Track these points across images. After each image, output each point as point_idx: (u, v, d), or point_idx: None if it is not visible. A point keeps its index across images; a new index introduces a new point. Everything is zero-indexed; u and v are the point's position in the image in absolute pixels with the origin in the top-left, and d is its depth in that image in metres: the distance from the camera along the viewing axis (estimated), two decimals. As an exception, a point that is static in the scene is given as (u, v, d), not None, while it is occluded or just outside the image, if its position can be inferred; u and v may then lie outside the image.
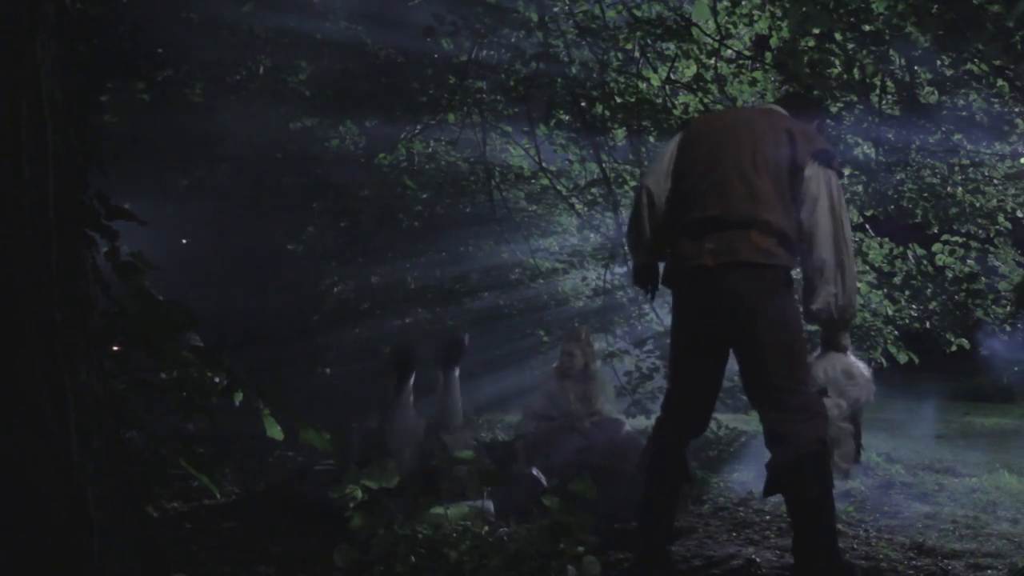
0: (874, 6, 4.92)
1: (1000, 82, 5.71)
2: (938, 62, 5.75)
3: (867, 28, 4.94)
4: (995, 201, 6.99)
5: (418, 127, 7.38)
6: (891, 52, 5.49)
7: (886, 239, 6.65)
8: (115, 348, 2.13)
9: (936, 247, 6.77)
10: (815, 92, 5.15)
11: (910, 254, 6.69)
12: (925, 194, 7.04)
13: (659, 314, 6.52)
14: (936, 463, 5.72)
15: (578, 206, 7.30)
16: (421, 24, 5.92)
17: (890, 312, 6.41)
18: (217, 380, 2.24)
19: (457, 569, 2.64)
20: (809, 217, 2.79)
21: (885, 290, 6.46)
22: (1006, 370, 10.94)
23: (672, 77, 6.09)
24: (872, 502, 4.31)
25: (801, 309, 2.88)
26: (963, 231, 6.95)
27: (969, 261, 6.74)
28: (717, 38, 5.71)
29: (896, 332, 6.38)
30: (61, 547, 1.67)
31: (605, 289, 7.27)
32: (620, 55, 6.12)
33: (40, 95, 1.73)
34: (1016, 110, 6.37)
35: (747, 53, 5.96)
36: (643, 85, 6.06)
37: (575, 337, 5.23)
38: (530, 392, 5.51)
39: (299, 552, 3.26)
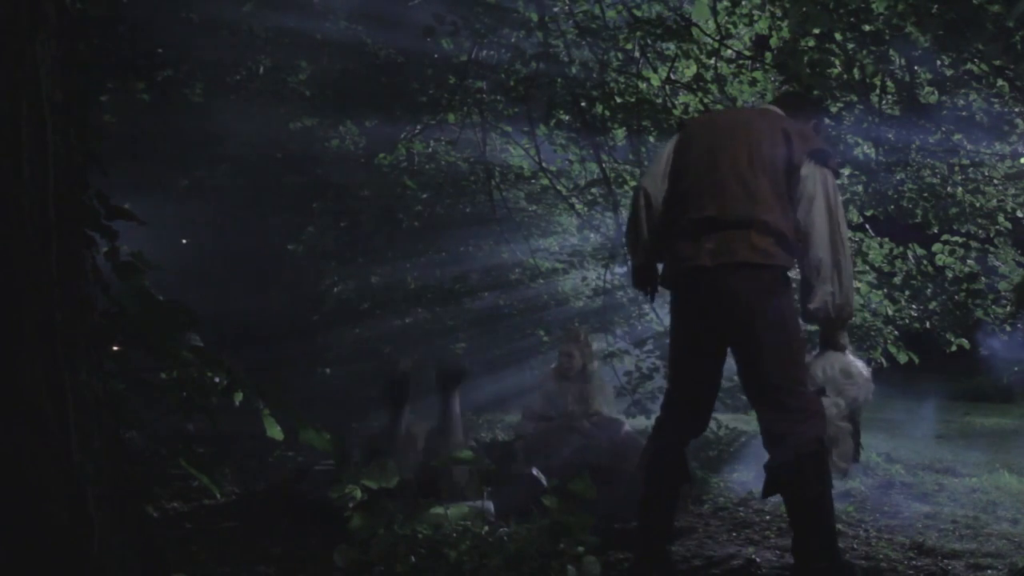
0: (874, 6, 4.92)
1: (1000, 82, 5.71)
2: (938, 62, 5.75)
3: (867, 28, 4.93)
4: (995, 201, 6.98)
5: (418, 127, 7.38)
6: (891, 52, 5.49)
7: (886, 239, 6.65)
8: (115, 348, 2.13)
9: (936, 247, 6.77)
10: (815, 92, 5.15)
11: (910, 254, 6.69)
12: (925, 194, 7.04)
13: (659, 314, 6.52)
14: (936, 463, 5.72)
15: (578, 206, 7.30)
16: (421, 24, 5.92)
17: (890, 312, 6.41)
18: (217, 380, 2.24)
19: (457, 569, 2.64)
20: (805, 216, 2.79)
21: (885, 290, 6.46)
22: (1006, 370, 10.95)
23: (672, 77, 6.09)
24: (872, 502, 4.31)
25: (799, 308, 2.88)
26: (963, 231, 6.95)
27: (969, 261, 6.74)
28: (717, 38, 5.71)
29: (896, 332, 6.38)
30: (61, 547, 1.67)
31: (605, 289, 7.27)
32: (620, 55, 6.12)
33: (40, 95, 1.73)
34: (1016, 110, 6.37)
35: (747, 53, 5.96)
36: (643, 85, 6.06)
37: (574, 338, 5.23)
38: (530, 392, 5.52)
39: (299, 552, 3.26)
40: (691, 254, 2.80)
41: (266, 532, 3.59)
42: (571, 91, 6.10)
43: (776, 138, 2.85)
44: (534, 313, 8.30)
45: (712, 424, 5.36)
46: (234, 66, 6.85)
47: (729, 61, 5.85)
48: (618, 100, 6.00)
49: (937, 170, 7.06)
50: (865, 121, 6.36)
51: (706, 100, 5.91)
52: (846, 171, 6.66)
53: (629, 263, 3.29)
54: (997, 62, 4.96)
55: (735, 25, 5.75)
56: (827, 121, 6.19)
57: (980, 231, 6.98)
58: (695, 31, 5.68)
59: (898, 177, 7.00)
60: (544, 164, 7.17)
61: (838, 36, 5.10)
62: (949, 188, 7.02)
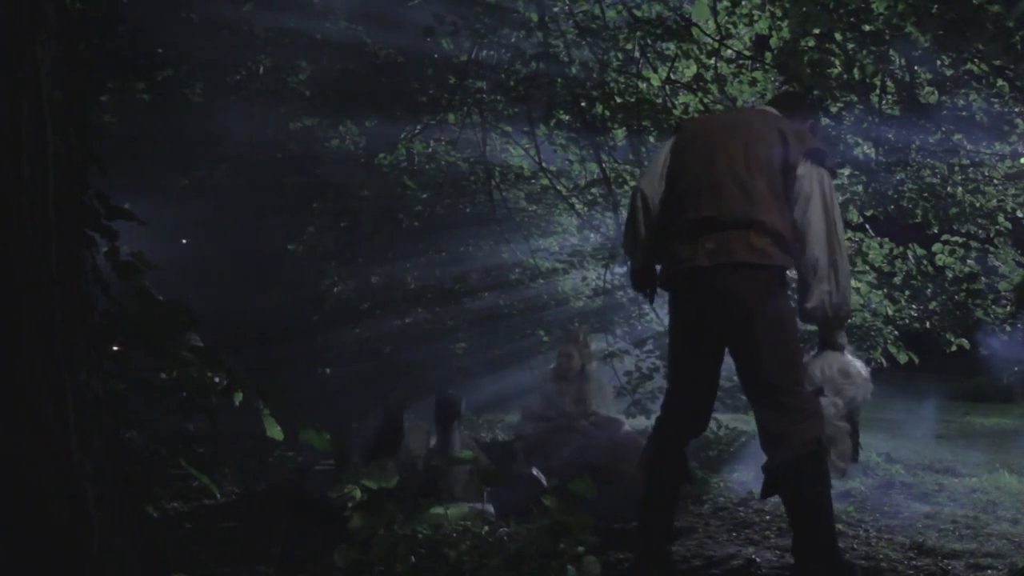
0: (874, 6, 4.92)
1: (1000, 82, 5.71)
2: (938, 62, 5.75)
3: (867, 28, 4.93)
4: (995, 201, 6.98)
5: (418, 127, 7.38)
6: (891, 52, 5.49)
7: (886, 239, 6.65)
8: (115, 348, 2.13)
9: (936, 247, 6.77)
10: (815, 92, 5.15)
11: (910, 254, 6.69)
12: (925, 194, 7.04)
13: (659, 314, 6.52)
14: (936, 463, 5.72)
15: (578, 206, 7.29)
16: (421, 24, 5.92)
17: (890, 312, 6.40)
18: (217, 380, 2.24)
19: (457, 569, 2.64)
20: (802, 216, 2.80)
21: (885, 290, 6.45)
22: (1006, 370, 10.95)
23: (672, 77, 6.09)
24: (872, 502, 4.31)
25: (797, 308, 2.88)
26: (963, 231, 6.94)
27: (969, 261, 6.73)
28: (717, 38, 5.71)
29: (896, 332, 6.37)
30: (61, 547, 1.67)
31: (605, 289, 7.27)
32: (620, 55, 6.12)
33: (40, 95, 1.73)
34: (1016, 110, 6.36)
35: (747, 53, 5.96)
36: (643, 85, 6.06)
37: (573, 339, 5.24)
38: (530, 392, 5.52)
39: (299, 552, 3.26)
40: (689, 255, 2.81)
41: (266, 532, 3.59)
42: (571, 91, 6.09)
43: (772, 138, 2.85)
44: (534, 313, 8.31)
45: (712, 424, 5.36)
46: (234, 66, 6.85)
47: (729, 61, 5.84)
48: (618, 100, 6.00)
49: (937, 170, 7.05)
50: (865, 121, 6.35)
51: (706, 100, 5.91)
52: (846, 171, 6.66)
53: (628, 264, 3.29)
54: (997, 62, 4.96)
55: (735, 25, 5.75)
56: (827, 121, 6.20)
57: (980, 231, 6.98)
58: (695, 31, 5.68)
59: (898, 177, 7.00)
60: (544, 164, 7.17)
61: (838, 36, 5.10)
62: (949, 188, 7.02)
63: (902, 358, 6.33)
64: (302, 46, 6.83)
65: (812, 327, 3.26)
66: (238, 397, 2.29)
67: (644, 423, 5.57)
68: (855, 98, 5.93)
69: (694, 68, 5.85)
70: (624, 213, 6.32)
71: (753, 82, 5.80)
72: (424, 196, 7.52)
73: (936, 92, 6.35)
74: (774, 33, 5.57)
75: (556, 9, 6.12)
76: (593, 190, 6.86)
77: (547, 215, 8.24)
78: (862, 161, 6.79)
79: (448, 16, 5.71)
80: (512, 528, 2.96)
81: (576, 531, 2.76)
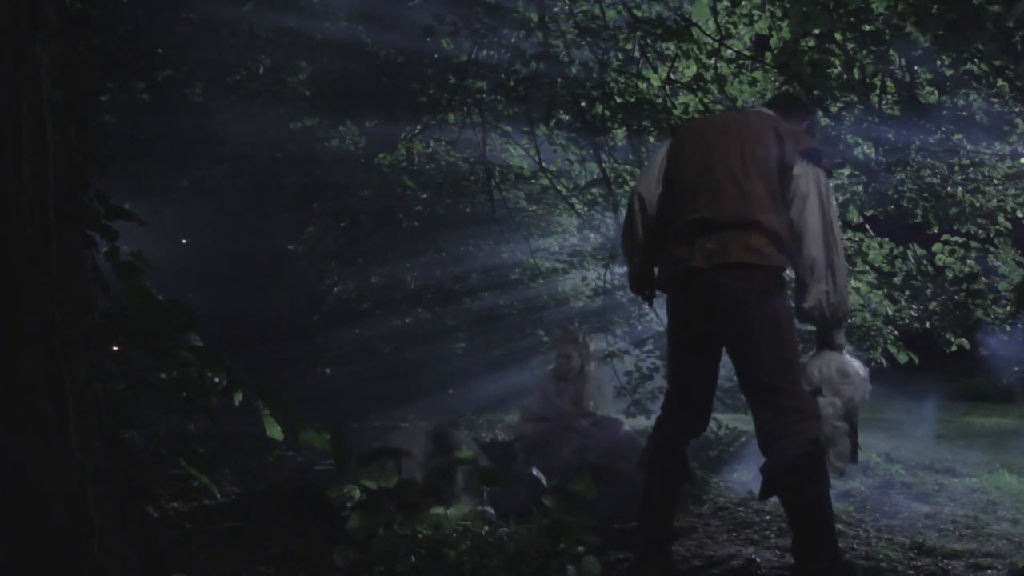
0: (874, 6, 4.92)
1: (1000, 82, 5.70)
2: (938, 62, 5.75)
3: (867, 28, 4.93)
4: (995, 201, 6.98)
5: (418, 127, 7.38)
6: (891, 52, 5.49)
7: (886, 239, 6.64)
8: (115, 348, 2.13)
9: (936, 247, 6.77)
10: (815, 92, 5.15)
11: (910, 254, 6.69)
12: (925, 194, 7.03)
13: (659, 314, 6.52)
14: (936, 463, 5.72)
15: (578, 206, 7.29)
16: (421, 24, 5.92)
17: (890, 312, 6.40)
18: (217, 380, 2.24)
19: (457, 569, 2.64)
20: (799, 216, 2.79)
21: (885, 290, 6.45)
22: (1006, 370, 10.96)
23: (672, 77, 6.08)
24: (872, 502, 4.31)
25: (795, 308, 2.88)
26: (963, 231, 6.94)
27: (969, 261, 6.73)
28: (717, 38, 5.71)
29: (896, 332, 6.37)
30: (61, 547, 1.67)
31: (605, 289, 7.27)
32: (620, 55, 6.12)
33: (40, 95, 1.73)
34: (1016, 110, 6.36)
35: (747, 53, 5.95)
36: (643, 85, 6.06)
37: (572, 339, 5.23)
38: (530, 392, 5.52)
39: (299, 552, 3.26)
40: (686, 256, 2.81)
41: (266, 532, 3.59)
42: (571, 91, 6.10)
43: (768, 138, 2.85)
44: (534, 313, 8.32)
45: (712, 424, 5.36)
46: (234, 66, 6.85)
47: (729, 61, 5.84)
48: (618, 100, 6.00)
49: (937, 170, 7.05)
50: (865, 121, 6.35)
51: (706, 100, 5.91)
52: (846, 171, 6.66)
53: (627, 267, 3.29)
54: (997, 62, 4.96)
55: (735, 25, 5.74)
56: (827, 121, 6.20)
57: (980, 231, 6.97)
58: (695, 31, 5.67)
59: (898, 177, 6.99)
60: (544, 164, 7.17)
61: (838, 36, 5.10)
62: (949, 188, 7.01)
63: (902, 358, 6.33)
64: (302, 46, 6.83)
65: (811, 327, 3.26)
66: (238, 397, 2.29)
67: (644, 423, 5.57)
68: (855, 98, 5.93)
69: (694, 68, 5.85)
70: (624, 213, 6.33)
71: (753, 82, 5.79)
72: (424, 196, 7.53)
73: (936, 92, 6.35)
74: (774, 33, 5.56)
75: (556, 9, 6.11)
76: (593, 190, 6.86)
77: (547, 215, 8.25)
78: (862, 161, 6.79)
79: (448, 16, 5.71)
80: (512, 528, 2.96)
81: (576, 531, 2.77)
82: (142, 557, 1.84)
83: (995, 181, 7.03)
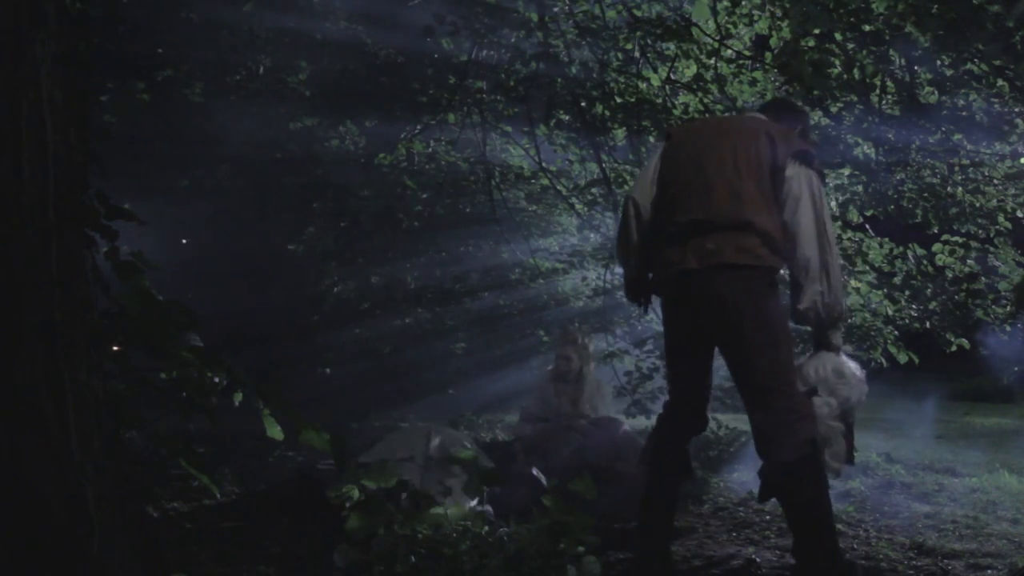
0: (874, 6, 4.92)
1: (1000, 82, 5.71)
2: (938, 62, 5.75)
3: (867, 28, 4.93)
4: (995, 201, 6.98)
5: (418, 127, 7.38)
6: (891, 52, 5.49)
7: (886, 239, 6.65)
8: (115, 348, 2.13)
9: (936, 247, 6.77)
10: (815, 92, 5.15)
11: (910, 254, 6.69)
12: (925, 194, 7.04)
13: (659, 314, 6.51)
14: (936, 463, 5.72)
15: (578, 206, 7.30)
16: (421, 24, 5.92)
17: (890, 312, 6.40)
18: (217, 380, 2.24)
19: (457, 569, 2.64)
20: (792, 217, 2.80)
21: (885, 290, 6.45)
22: (1006, 370, 10.97)
23: (672, 77, 6.09)
24: (872, 502, 4.31)
25: (790, 309, 2.88)
26: (963, 231, 6.94)
27: (969, 261, 6.73)
28: (717, 38, 5.71)
29: (896, 332, 6.37)
30: (61, 547, 1.67)
31: (605, 289, 7.27)
32: (620, 55, 6.12)
33: (40, 95, 1.73)
34: (1016, 110, 6.37)
35: (747, 53, 5.96)
36: (643, 85, 6.06)
37: (571, 341, 5.23)
38: (530, 392, 5.53)
39: (299, 552, 3.26)
40: (679, 258, 2.81)
41: (266, 532, 3.59)
42: (571, 91, 6.10)
43: (760, 141, 2.86)
44: (534, 313, 8.32)
45: (712, 424, 5.35)
46: (234, 66, 6.85)
47: (729, 61, 5.84)
48: (618, 100, 6.00)
49: (937, 170, 7.05)
50: (865, 121, 6.35)
51: (706, 100, 5.91)
52: (846, 171, 6.66)
53: (623, 274, 3.30)
54: (997, 62, 4.96)
55: (735, 25, 5.75)
56: (827, 121, 6.20)
57: (980, 231, 6.97)
58: (695, 31, 5.68)
59: (898, 177, 7.00)
60: (544, 164, 7.17)
61: (838, 36, 5.10)
62: (949, 188, 7.01)
63: (902, 358, 6.33)
64: (302, 46, 6.83)
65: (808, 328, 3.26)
66: (238, 397, 2.29)
67: (644, 423, 5.57)
68: (855, 98, 5.93)
69: (694, 68, 5.85)
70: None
71: (753, 82, 5.79)
72: (424, 196, 7.52)
73: (936, 92, 6.35)
74: (774, 33, 5.56)
75: (556, 9, 6.11)
76: (593, 190, 6.86)
77: (547, 215, 8.25)
78: (862, 161, 6.79)
79: (448, 16, 5.71)
80: (512, 528, 2.96)
81: (576, 531, 2.77)
82: (142, 557, 1.84)
83: (995, 181, 7.03)
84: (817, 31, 5.01)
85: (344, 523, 2.84)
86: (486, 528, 2.94)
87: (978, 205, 6.97)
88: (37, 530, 1.65)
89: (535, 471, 3.97)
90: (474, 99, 6.65)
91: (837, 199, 6.66)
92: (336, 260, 8.02)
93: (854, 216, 6.90)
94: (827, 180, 6.35)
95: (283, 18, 6.64)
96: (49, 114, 1.74)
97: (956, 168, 7.06)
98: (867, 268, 6.35)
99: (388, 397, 8.05)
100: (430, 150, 7.52)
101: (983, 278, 6.77)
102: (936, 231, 7.04)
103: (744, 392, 2.81)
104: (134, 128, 6.60)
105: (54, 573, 1.67)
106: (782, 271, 2.92)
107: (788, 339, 2.83)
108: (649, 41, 5.88)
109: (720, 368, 3.01)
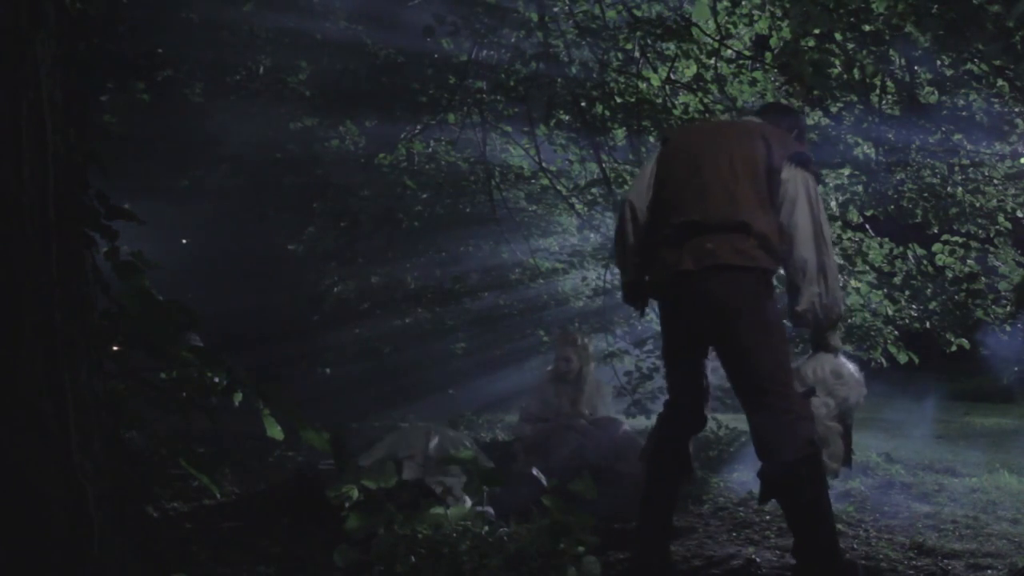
0: (874, 6, 4.92)
1: (1000, 82, 5.71)
2: (938, 62, 5.75)
3: (867, 28, 4.93)
4: (995, 201, 6.98)
5: (418, 127, 7.38)
6: (891, 52, 5.49)
7: (886, 239, 6.65)
8: (115, 348, 2.13)
9: (936, 247, 6.76)
10: (815, 92, 5.15)
11: (910, 254, 6.68)
12: (925, 194, 7.04)
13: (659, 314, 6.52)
14: (936, 463, 5.72)
15: (578, 206, 7.30)
16: (421, 24, 5.92)
17: (890, 312, 6.40)
18: (217, 380, 2.24)
19: (457, 569, 2.64)
20: (788, 219, 2.80)
21: (885, 290, 6.45)
22: (1006, 370, 10.97)
23: (672, 77, 6.09)
24: (872, 502, 4.31)
25: (788, 311, 2.88)
26: (963, 231, 6.94)
27: (969, 261, 6.73)
28: (717, 38, 5.71)
29: (896, 332, 6.37)
30: (61, 547, 1.67)
31: (605, 289, 7.27)
32: (620, 55, 6.12)
33: (40, 95, 1.73)
34: (1016, 110, 6.37)
35: (747, 53, 5.96)
36: (643, 85, 6.06)
37: (571, 341, 5.23)
38: (529, 392, 5.53)
39: (299, 552, 3.26)
40: (675, 259, 2.81)
41: (266, 532, 3.59)
42: (571, 91, 6.10)
43: (756, 143, 2.86)
44: (534, 313, 8.32)
45: (712, 424, 5.35)
46: (234, 66, 6.85)
47: (729, 61, 5.84)
48: (618, 100, 6.00)
49: (937, 170, 7.05)
50: (865, 121, 6.35)
51: (706, 100, 5.91)
52: (846, 171, 6.66)
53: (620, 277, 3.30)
54: (997, 62, 4.95)
55: (735, 25, 5.75)
56: (828, 121, 6.20)
57: (980, 231, 6.97)
58: (695, 31, 5.68)
59: (898, 177, 7.00)
60: (544, 164, 7.17)
61: (838, 36, 5.10)
62: (949, 188, 7.01)
63: (902, 358, 6.33)
64: (302, 46, 6.83)
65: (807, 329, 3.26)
66: (238, 397, 2.29)
67: (644, 423, 5.57)
68: (855, 98, 5.93)
69: (694, 68, 5.85)
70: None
71: (753, 82, 5.79)
72: (424, 196, 7.53)
73: (936, 92, 6.35)
74: (774, 33, 5.56)
75: (556, 9, 6.11)
76: (593, 190, 6.86)
77: (547, 215, 8.25)
78: (862, 161, 6.79)
79: (448, 16, 5.71)
80: (512, 528, 2.96)
81: (576, 531, 2.77)
82: (142, 557, 1.84)
83: (995, 181, 7.03)
84: (817, 31, 5.01)
85: (344, 523, 2.85)
86: (486, 528, 2.94)
87: (978, 205, 6.97)
88: (37, 530, 1.65)
89: (535, 471, 3.97)
90: (474, 99, 6.65)
91: (837, 199, 6.66)
92: (336, 260, 8.02)
93: (854, 216, 6.90)
94: (827, 180, 6.39)
95: (283, 18, 6.64)
96: (49, 114, 1.74)
97: (956, 168, 7.06)
98: (867, 268, 6.35)
99: (388, 397, 8.05)
100: (430, 150, 7.53)
101: (983, 278, 6.77)
102: (936, 231, 7.04)
103: (741, 393, 2.81)
104: (134, 128, 6.60)
105: (54, 573, 1.67)
106: (780, 271, 2.92)
107: (784, 340, 2.83)
108: (649, 41, 5.88)
109: (721, 368, 3.01)
